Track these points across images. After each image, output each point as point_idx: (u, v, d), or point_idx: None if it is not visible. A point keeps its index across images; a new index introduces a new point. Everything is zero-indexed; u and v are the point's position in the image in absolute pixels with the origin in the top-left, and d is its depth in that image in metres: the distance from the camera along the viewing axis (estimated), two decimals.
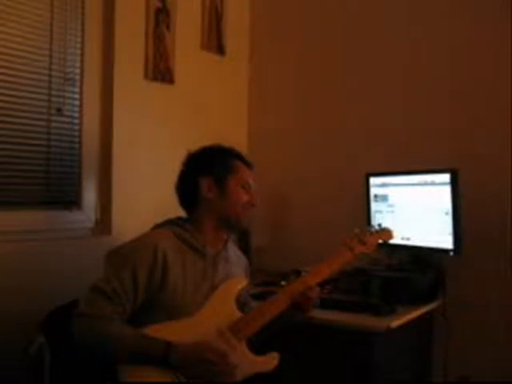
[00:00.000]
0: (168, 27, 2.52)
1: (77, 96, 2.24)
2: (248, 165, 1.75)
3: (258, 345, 1.63)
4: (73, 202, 2.24)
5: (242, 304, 1.72)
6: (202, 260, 1.65)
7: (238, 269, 1.78)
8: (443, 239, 2.13)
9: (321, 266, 1.74)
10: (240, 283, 1.69)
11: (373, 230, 1.93)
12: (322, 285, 2.07)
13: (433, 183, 2.18)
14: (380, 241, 1.92)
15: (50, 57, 2.14)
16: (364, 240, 1.83)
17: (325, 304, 2.01)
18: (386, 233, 1.95)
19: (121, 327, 1.49)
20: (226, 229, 1.72)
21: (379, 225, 1.98)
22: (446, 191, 2.12)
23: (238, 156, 1.75)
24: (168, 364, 1.45)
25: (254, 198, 1.71)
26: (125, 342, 1.47)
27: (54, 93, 2.16)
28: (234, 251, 1.82)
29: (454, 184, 2.10)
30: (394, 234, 1.97)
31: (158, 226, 1.69)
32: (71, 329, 1.48)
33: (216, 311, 1.60)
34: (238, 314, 1.62)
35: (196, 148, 1.75)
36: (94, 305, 1.48)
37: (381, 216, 2.39)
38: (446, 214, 2.11)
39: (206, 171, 1.68)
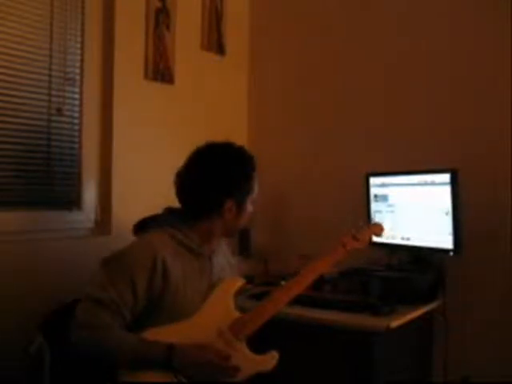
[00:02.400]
0: (168, 27, 2.52)
1: (77, 96, 2.24)
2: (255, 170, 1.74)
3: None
4: (73, 201, 2.24)
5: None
6: (198, 259, 1.65)
7: (222, 258, 1.80)
8: (443, 239, 2.13)
9: (315, 263, 1.77)
10: (237, 282, 1.70)
11: (364, 225, 1.98)
12: (320, 283, 2.09)
13: (433, 183, 2.18)
14: (373, 236, 1.99)
15: (50, 57, 2.14)
16: (357, 236, 1.87)
17: (325, 304, 2.01)
18: (377, 226, 2.02)
19: (121, 334, 1.48)
20: (228, 236, 1.78)
21: (371, 220, 2.01)
22: (446, 191, 2.11)
23: (254, 167, 1.72)
24: (171, 367, 1.46)
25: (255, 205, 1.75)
26: (126, 348, 1.47)
27: (54, 93, 2.16)
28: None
29: (454, 184, 2.10)
30: (385, 226, 2.04)
31: (151, 221, 1.67)
32: (72, 340, 1.47)
33: (215, 312, 1.61)
34: (236, 313, 1.63)
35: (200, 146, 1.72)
36: (93, 315, 1.47)
37: (381, 216, 2.39)
38: (446, 214, 2.11)
39: (230, 194, 1.65)
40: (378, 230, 2.01)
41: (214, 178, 1.64)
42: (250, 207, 1.72)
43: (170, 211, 1.71)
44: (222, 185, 1.64)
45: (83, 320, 1.48)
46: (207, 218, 1.66)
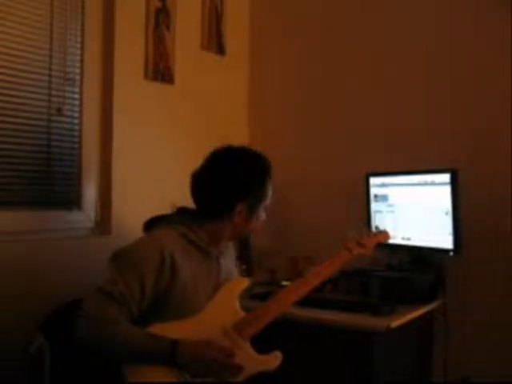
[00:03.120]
0: (168, 27, 2.52)
1: (77, 96, 2.24)
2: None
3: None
4: (73, 201, 2.24)
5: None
6: (206, 259, 1.66)
7: (230, 261, 1.81)
8: (443, 239, 2.13)
9: (321, 267, 1.78)
10: (243, 283, 1.71)
11: (370, 232, 2.00)
12: (322, 285, 2.09)
13: (433, 183, 2.18)
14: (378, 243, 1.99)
15: (50, 57, 2.14)
16: (362, 242, 1.88)
17: (325, 304, 2.01)
18: (384, 235, 2.03)
19: (126, 328, 1.49)
20: (236, 239, 1.84)
21: (376, 227, 2.01)
22: (446, 191, 2.12)
23: (269, 174, 1.71)
24: (175, 363, 1.46)
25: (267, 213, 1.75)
26: (131, 342, 1.47)
27: (54, 93, 2.16)
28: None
29: (454, 184, 2.11)
30: (391, 235, 2.05)
31: (161, 219, 1.69)
32: (75, 331, 1.46)
33: (220, 311, 1.61)
34: (241, 313, 1.64)
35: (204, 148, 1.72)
36: (100, 308, 1.47)
37: (381, 216, 2.39)
38: (446, 214, 2.12)
39: (242, 198, 1.65)
40: (384, 238, 2.01)
41: (226, 180, 1.64)
42: (262, 214, 1.71)
43: (182, 211, 1.72)
44: (234, 188, 1.64)
45: (90, 316, 1.47)
46: (218, 219, 1.66)
